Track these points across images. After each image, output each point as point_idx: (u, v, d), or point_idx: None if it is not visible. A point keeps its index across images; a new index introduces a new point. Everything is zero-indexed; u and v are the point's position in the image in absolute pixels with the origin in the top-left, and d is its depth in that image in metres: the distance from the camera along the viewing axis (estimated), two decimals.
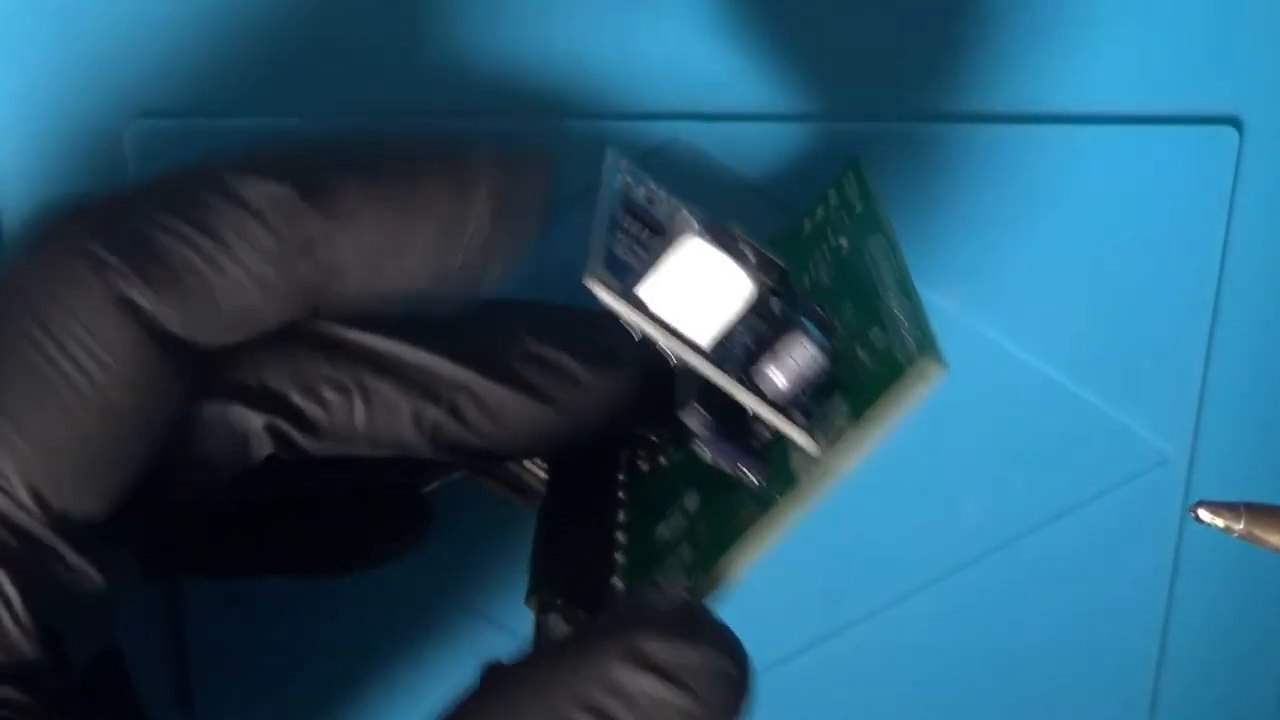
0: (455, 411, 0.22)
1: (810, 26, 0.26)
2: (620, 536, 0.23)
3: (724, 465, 0.20)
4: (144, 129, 0.26)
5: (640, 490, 0.24)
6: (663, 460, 0.24)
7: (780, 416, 0.19)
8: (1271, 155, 0.27)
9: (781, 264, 0.24)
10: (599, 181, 0.22)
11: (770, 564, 0.29)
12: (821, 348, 0.20)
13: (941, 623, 0.30)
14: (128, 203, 0.19)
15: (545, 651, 0.20)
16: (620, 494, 0.24)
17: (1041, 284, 0.28)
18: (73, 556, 0.19)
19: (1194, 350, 0.29)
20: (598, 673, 0.19)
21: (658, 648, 0.19)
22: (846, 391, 0.20)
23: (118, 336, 0.18)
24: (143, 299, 0.19)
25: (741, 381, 0.20)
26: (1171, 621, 0.31)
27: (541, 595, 0.23)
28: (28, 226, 0.19)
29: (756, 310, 0.20)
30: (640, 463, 0.24)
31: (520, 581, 0.25)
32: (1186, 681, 0.32)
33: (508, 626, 0.29)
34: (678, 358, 0.19)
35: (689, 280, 0.19)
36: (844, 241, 0.23)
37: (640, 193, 0.23)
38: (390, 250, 0.20)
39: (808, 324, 0.20)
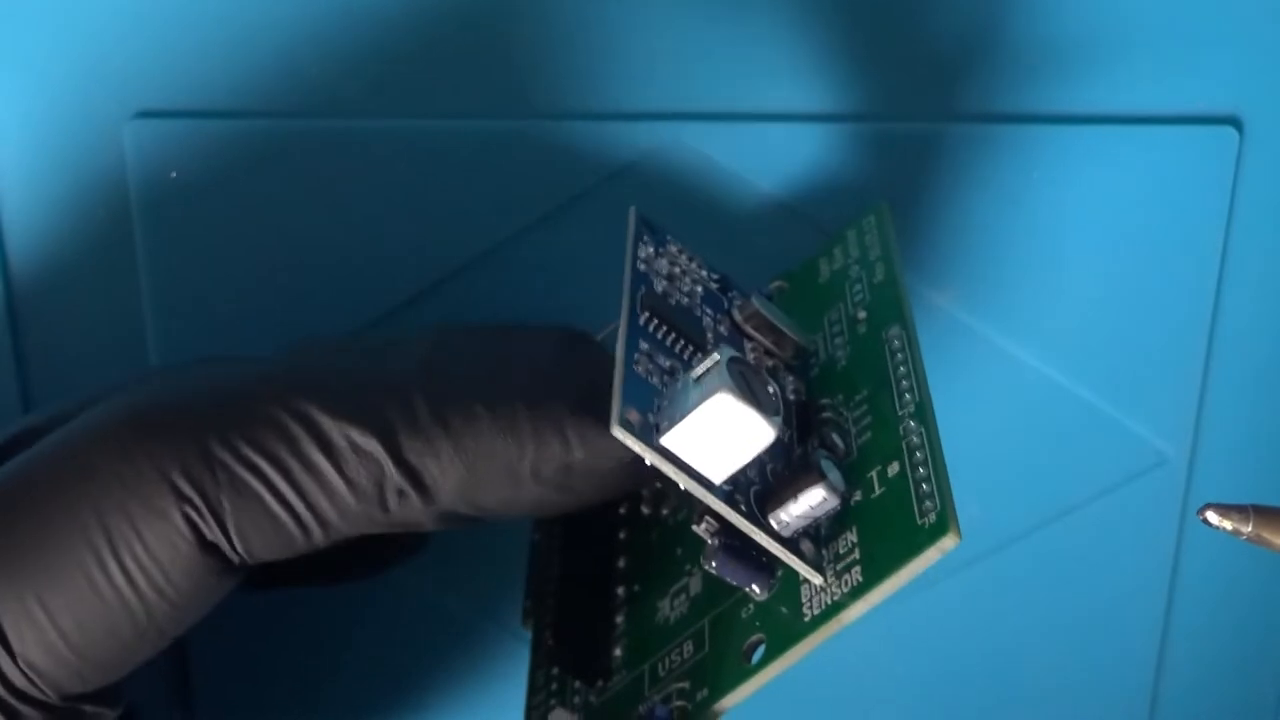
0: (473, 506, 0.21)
1: (810, 27, 0.26)
2: (620, 591, 0.23)
3: (726, 578, 0.20)
4: (143, 129, 0.26)
5: (642, 538, 0.24)
6: (664, 511, 0.24)
7: (788, 553, 0.19)
8: (1271, 155, 0.27)
9: (801, 342, 0.23)
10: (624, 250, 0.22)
11: None
12: (836, 492, 0.20)
13: (941, 622, 0.30)
14: (210, 424, 0.18)
15: None
16: (621, 534, 0.24)
17: (1041, 284, 0.28)
18: (87, 710, 0.19)
19: (1194, 350, 0.29)
20: None
21: None
22: (859, 529, 0.20)
23: (183, 567, 0.18)
24: (216, 537, 0.18)
25: (753, 517, 0.20)
26: (1171, 621, 0.31)
27: (542, 655, 0.23)
28: (97, 399, 0.19)
29: (773, 448, 0.20)
30: (643, 506, 0.24)
31: (518, 581, 0.25)
32: (1186, 681, 0.32)
33: (508, 626, 0.29)
34: (691, 493, 0.19)
35: (712, 429, 0.19)
36: (862, 315, 0.23)
37: (663, 266, 0.23)
38: (465, 497, 0.19)
39: (824, 464, 0.20)
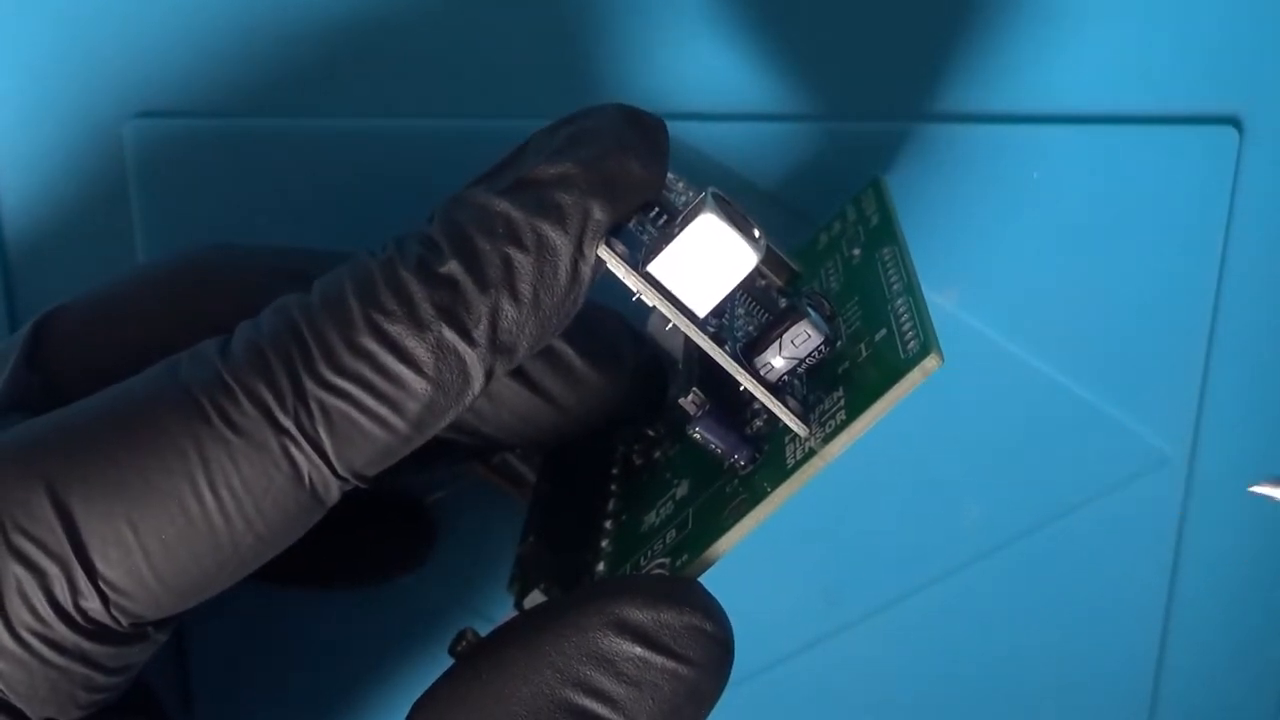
0: (479, 409, 0.22)
1: (810, 27, 0.26)
2: (609, 525, 0.23)
3: (714, 446, 0.21)
4: (143, 129, 0.26)
5: (632, 484, 0.24)
6: (657, 455, 0.24)
7: (771, 397, 0.20)
8: (1271, 155, 0.27)
9: (794, 266, 0.24)
10: None
11: (770, 564, 0.29)
12: (822, 333, 0.20)
13: (941, 623, 0.30)
14: (300, 356, 0.19)
15: (526, 624, 0.20)
16: (612, 486, 0.24)
17: (1041, 284, 0.28)
18: (139, 646, 0.19)
19: (1194, 350, 0.29)
20: (581, 644, 0.19)
21: (638, 613, 0.19)
22: (847, 385, 0.20)
23: (275, 499, 0.19)
24: (314, 465, 0.19)
25: (738, 360, 0.20)
26: (1171, 621, 0.31)
27: (524, 581, 0.23)
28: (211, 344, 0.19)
29: (761, 298, 0.20)
30: (635, 457, 0.24)
31: None
32: (1186, 681, 0.32)
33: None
34: (677, 328, 0.20)
35: (697, 253, 0.19)
36: (856, 251, 0.24)
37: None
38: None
39: (811, 312, 0.20)
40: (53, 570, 0.18)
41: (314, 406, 0.19)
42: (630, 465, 0.24)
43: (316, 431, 0.19)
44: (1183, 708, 0.32)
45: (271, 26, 0.25)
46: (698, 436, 0.21)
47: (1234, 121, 0.27)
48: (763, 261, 0.23)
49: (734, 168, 0.27)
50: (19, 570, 0.18)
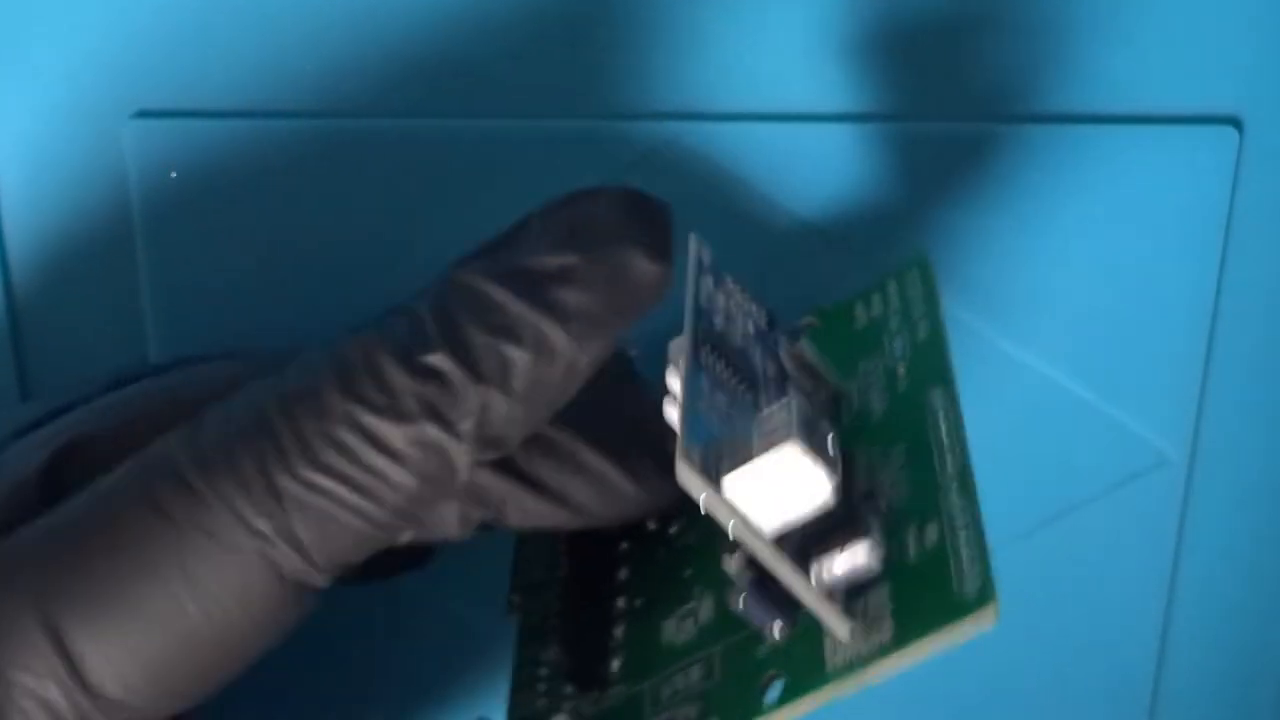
0: (500, 515, 0.21)
1: (811, 27, 0.26)
2: (621, 603, 0.23)
3: (752, 620, 0.20)
4: (142, 129, 0.26)
5: (646, 553, 0.23)
6: (672, 530, 0.23)
7: (826, 605, 0.19)
8: (1271, 155, 0.27)
9: (838, 387, 0.23)
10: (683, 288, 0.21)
11: None
12: (879, 551, 0.19)
13: None
14: (273, 453, 0.18)
15: None
16: (623, 545, 0.24)
17: (1041, 284, 0.28)
18: None
19: (1194, 350, 0.29)
20: None
21: None
22: (892, 589, 0.19)
23: (261, 594, 0.19)
24: (292, 562, 0.19)
25: (794, 566, 0.19)
26: (1171, 621, 0.31)
27: (536, 652, 0.23)
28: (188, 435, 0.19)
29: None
30: (648, 521, 0.23)
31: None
32: (1186, 681, 0.32)
33: (506, 624, 0.29)
34: (740, 539, 0.19)
35: (774, 478, 0.18)
36: (902, 370, 0.22)
37: (720, 302, 0.22)
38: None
39: (872, 525, 0.19)
40: (54, 696, 0.18)
41: (289, 505, 0.18)
42: (643, 530, 0.23)
43: (292, 530, 0.18)
44: (1183, 708, 0.32)
45: (272, 26, 0.25)
46: (740, 612, 0.19)
47: (1234, 121, 0.27)
48: (809, 383, 0.22)
49: (733, 168, 0.27)
50: (26, 704, 0.18)
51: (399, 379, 0.18)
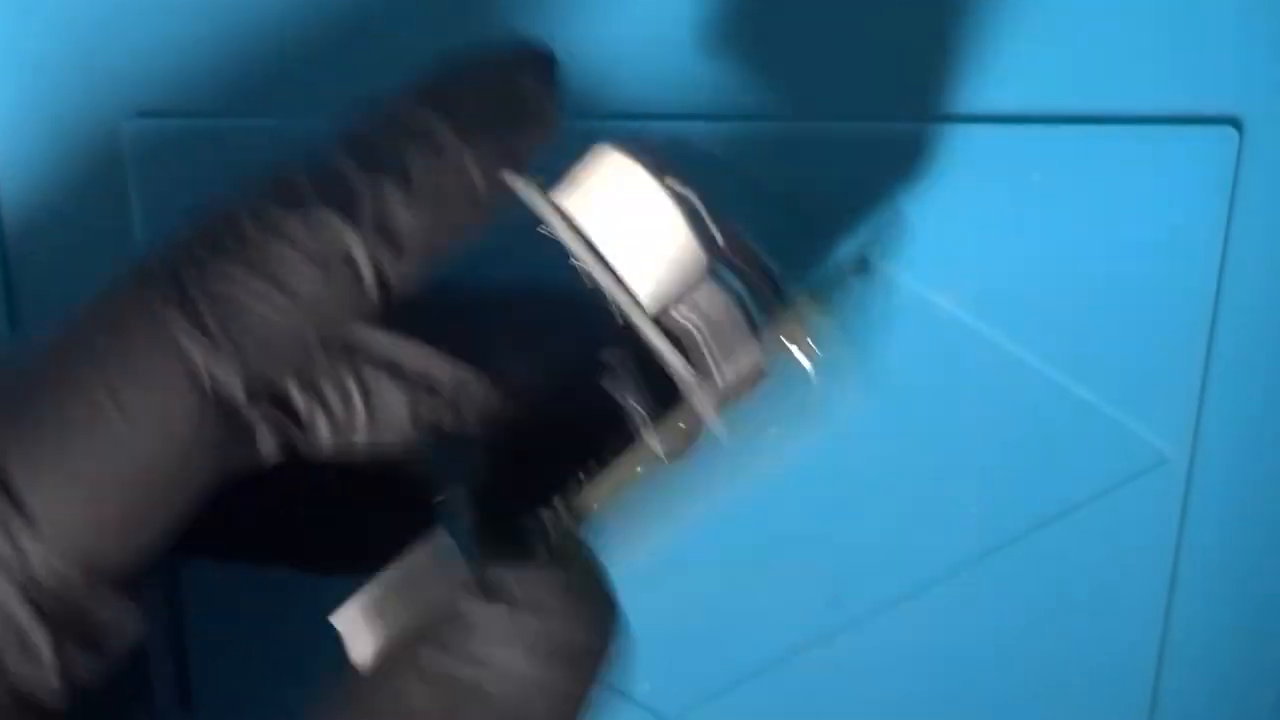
0: (455, 407, 0.22)
1: (811, 27, 0.26)
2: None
3: (619, 398, 0.21)
4: (142, 128, 0.26)
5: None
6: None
7: (664, 343, 0.20)
8: (1271, 155, 0.27)
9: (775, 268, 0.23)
10: None
11: (770, 563, 0.29)
12: (735, 297, 0.20)
13: (942, 622, 0.30)
14: (182, 254, 0.19)
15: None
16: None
17: (1041, 284, 0.28)
18: (108, 607, 0.19)
19: (1194, 350, 0.29)
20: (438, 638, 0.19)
21: (500, 578, 0.19)
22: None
23: (182, 405, 0.19)
24: (206, 358, 0.19)
25: (651, 317, 0.20)
26: (1171, 621, 0.31)
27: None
28: (104, 280, 0.19)
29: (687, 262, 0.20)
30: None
31: None
32: (1186, 681, 0.32)
33: None
34: (590, 276, 0.20)
35: (613, 197, 0.19)
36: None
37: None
38: (431, 249, 0.20)
39: (727, 274, 0.20)
40: None
41: (197, 297, 0.19)
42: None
43: (204, 322, 0.19)
44: (1183, 708, 0.32)
45: (272, 26, 0.25)
46: (613, 391, 0.20)
47: (1234, 121, 0.27)
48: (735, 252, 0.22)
49: (733, 168, 0.27)
50: None
51: (298, 176, 0.19)
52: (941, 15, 0.26)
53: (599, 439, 0.24)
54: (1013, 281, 0.28)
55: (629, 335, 0.21)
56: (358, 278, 0.19)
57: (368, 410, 0.21)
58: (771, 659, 0.30)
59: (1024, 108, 0.27)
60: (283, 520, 0.25)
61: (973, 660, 0.31)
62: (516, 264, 0.27)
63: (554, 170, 0.27)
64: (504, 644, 0.19)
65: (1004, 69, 0.27)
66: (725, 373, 0.20)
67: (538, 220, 0.20)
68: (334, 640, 0.30)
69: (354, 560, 0.26)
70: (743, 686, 0.30)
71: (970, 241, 0.28)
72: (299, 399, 0.21)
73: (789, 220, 0.27)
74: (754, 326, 0.21)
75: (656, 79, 0.26)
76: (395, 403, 0.22)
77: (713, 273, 0.21)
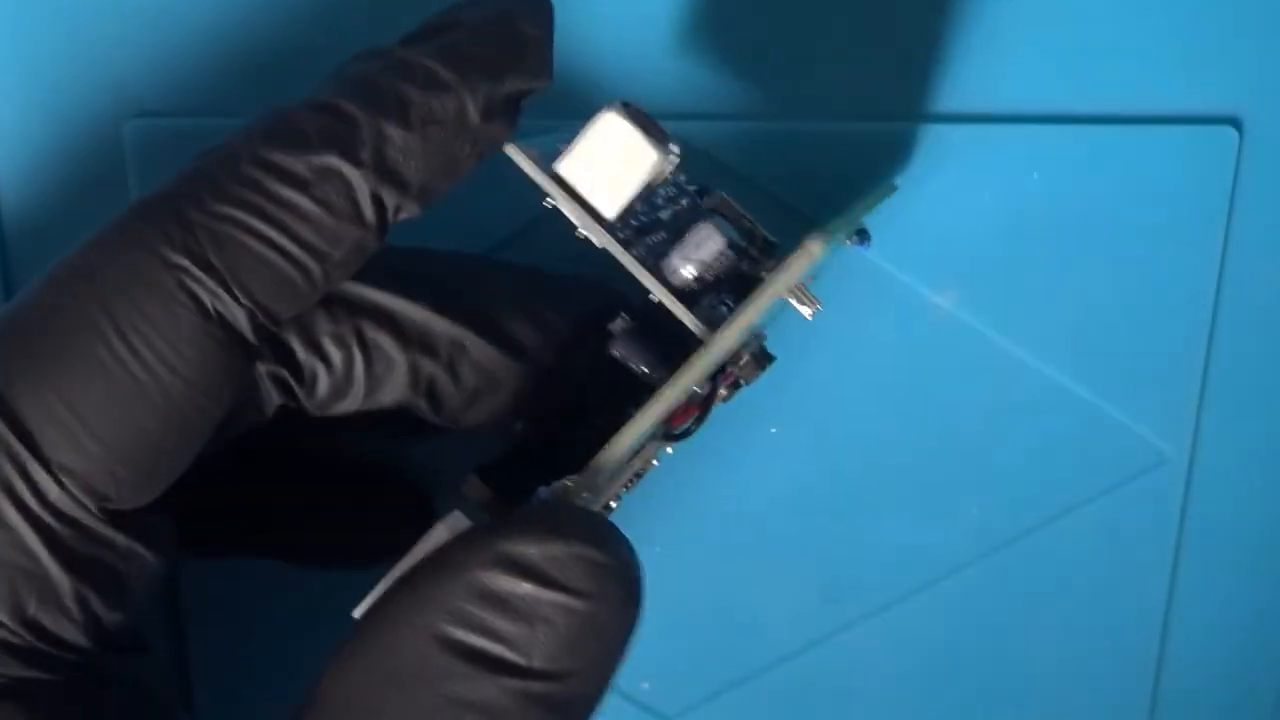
0: (452, 368, 0.22)
1: (811, 27, 0.26)
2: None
3: (632, 365, 0.21)
4: (142, 128, 0.26)
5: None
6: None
7: (670, 295, 0.20)
8: (1271, 155, 0.27)
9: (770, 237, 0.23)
10: None
11: (770, 564, 0.29)
12: (724, 236, 0.20)
13: (941, 623, 0.30)
14: (185, 196, 0.19)
15: (415, 572, 0.19)
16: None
17: (1041, 284, 0.28)
18: (123, 541, 0.19)
19: (1194, 350, 0.29)
20: (465, 584, 0.18)
21: (523, 549, 0.18)
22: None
23: (189, 337, 0.19)
24: (216, 297, 0.19)
25: (646, 266, 0.20)
26: (1171, 621, 0.31)
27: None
28: (106, 224, 0.20)
29: (673, 207, 0.21)
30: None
31: None
32: (1186, 681, 0.32)
33: None
34: (588, 234, 0.20)
35: (602, 153, 0.20)
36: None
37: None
38: (437, 183, 0.20)
39: (720, 220, 0.21)
40: (9, 471, 0.18)
41: (201, 235, 0.19)
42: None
43: (208, 260, 0.19)
44: (1183, 708, 0.32)
45: (272, 27, 0.25)
46: (617, 356, 0.21)
47: (1234, 121, 0.27)
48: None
49: (733, 168, 0.27)
50: None
51: (299, 116, 0.19)
52: (941, 15, 0.26)
53: (606, 409, 0.24)
54: (1013, 281, 0.28)
55: (639, 302, 0.21)
56: (359, 216, 0.19)
57: (366, 368, 0.21)
58: (771, 659, 0.30)
59: (1024, 108, 0.27)
60: (276, 514, 0.25)
61: (973, 660, 0.31)
62: (523, 254, 0.28)
63: None
64: (529, 621, 0.18)
65: (1004, 69, 0.27)
66: (732, 322, 0.20)
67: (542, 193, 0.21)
68: (334, 640, 0.30)
69: (347, 553, 0.26)
70: (743, 686, 0.30)
71: (970, 241, 0.28)
72: (300, 352, 0.21)
73: (788, 220, 0.27)
74: (751, 276, 0.21)
75: (655, 79, 0.26)
76: (395, 361, 0.22)
77: (710, 222, 0.21)
